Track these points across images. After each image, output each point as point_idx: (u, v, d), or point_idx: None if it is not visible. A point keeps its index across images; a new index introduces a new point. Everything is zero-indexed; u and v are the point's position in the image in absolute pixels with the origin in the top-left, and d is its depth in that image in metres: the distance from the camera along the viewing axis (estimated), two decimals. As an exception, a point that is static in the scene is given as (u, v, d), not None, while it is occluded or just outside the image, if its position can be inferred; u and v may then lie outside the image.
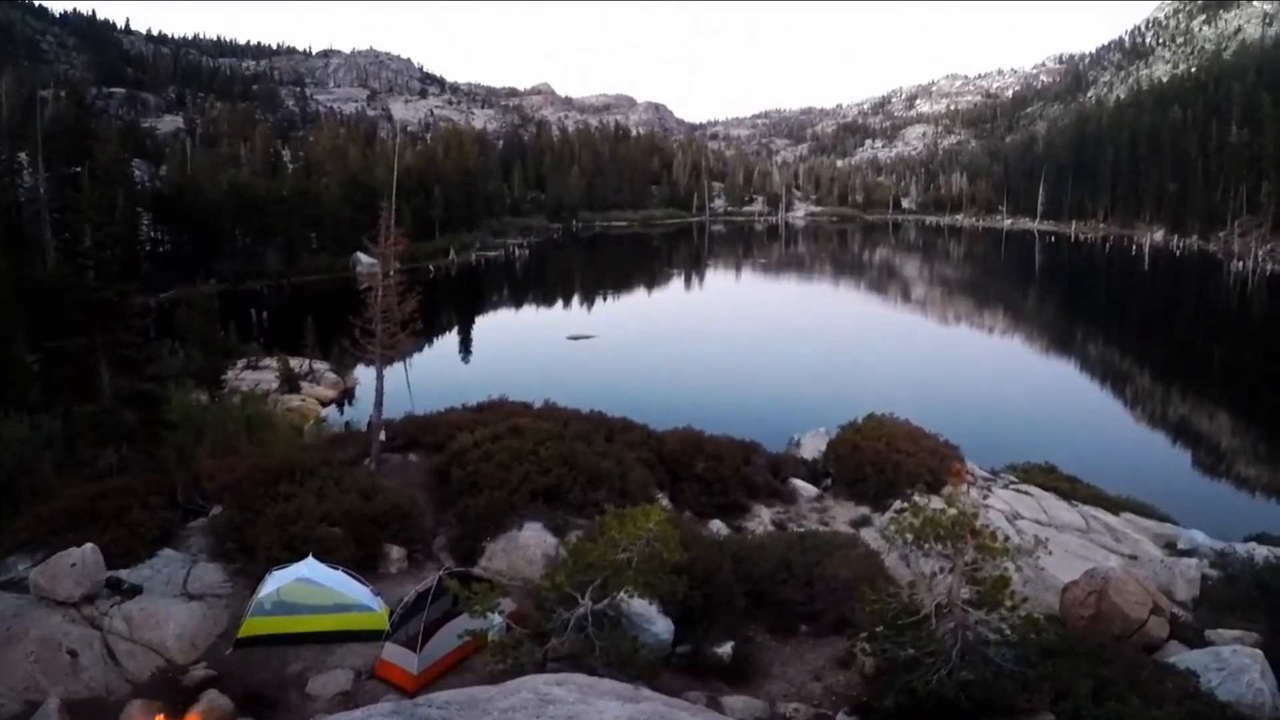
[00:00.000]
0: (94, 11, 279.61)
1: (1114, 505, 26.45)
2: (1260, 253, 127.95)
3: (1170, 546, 23.09)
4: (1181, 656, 13.83)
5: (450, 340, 72.26)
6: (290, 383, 48.43)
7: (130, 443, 23.97)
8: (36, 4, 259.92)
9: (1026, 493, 25.66)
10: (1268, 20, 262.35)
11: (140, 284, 58.98)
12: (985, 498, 23.59)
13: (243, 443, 29.41)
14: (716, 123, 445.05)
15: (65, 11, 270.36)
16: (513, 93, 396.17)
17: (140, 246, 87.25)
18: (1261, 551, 21.05)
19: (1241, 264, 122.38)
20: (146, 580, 16.36)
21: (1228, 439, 45.65)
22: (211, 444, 28.27)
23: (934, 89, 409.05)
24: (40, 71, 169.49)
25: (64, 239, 37.85)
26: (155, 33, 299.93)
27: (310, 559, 15.55)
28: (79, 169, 52.28)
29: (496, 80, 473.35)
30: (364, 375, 49.65)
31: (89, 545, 15.51)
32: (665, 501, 22.09)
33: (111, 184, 73.33)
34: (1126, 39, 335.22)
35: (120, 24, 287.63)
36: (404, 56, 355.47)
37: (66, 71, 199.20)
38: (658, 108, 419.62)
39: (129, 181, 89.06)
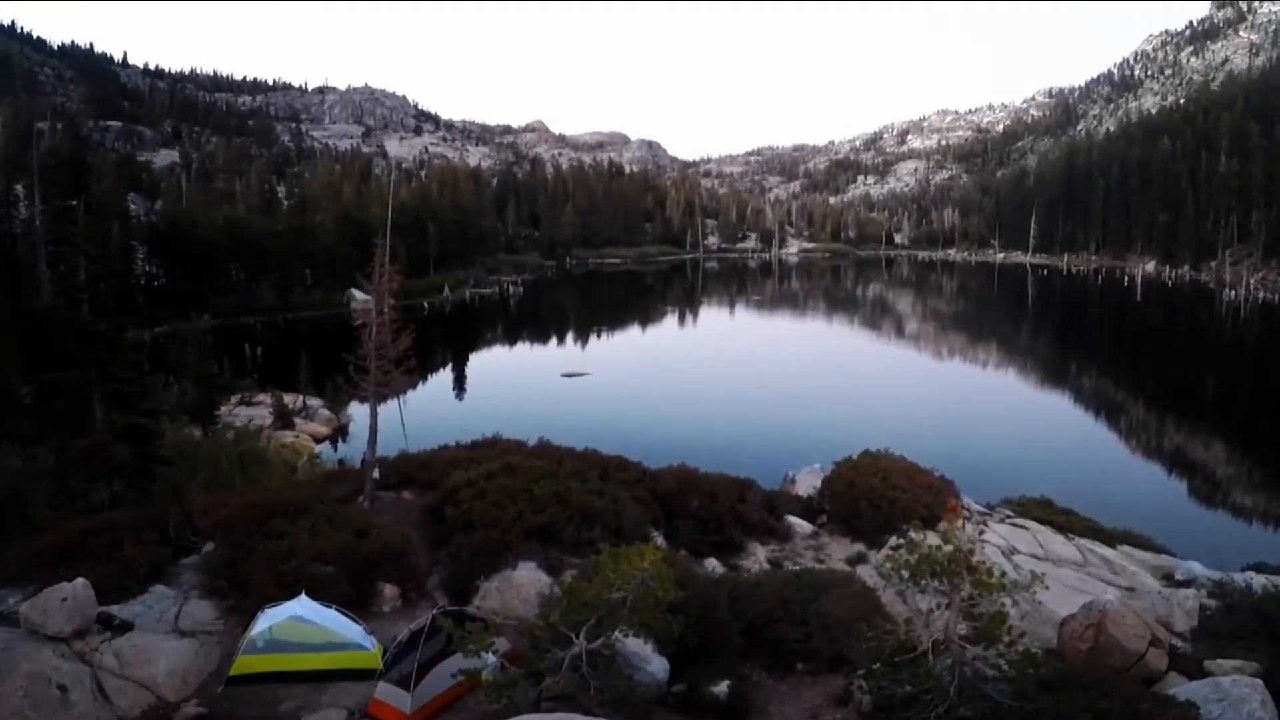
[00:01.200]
0: (92, 44, 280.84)
1: (1111, 538, 26.38)
2: (1252, 281, 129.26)
3: (1168, 578, 22.98)
4: (1181, 688, 13.75)
5: (444, 377, 72.22)
6: (284, 419, 48.35)
7: (123, 477, 23.86)
8: (35, 36, 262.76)
9: (1023, 527, 25.60)
10: (1254, 50, 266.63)
11: (134, 318, 59.12)
12: (981, 533, 23.55)
13: (236, 479, 29.28)
14: (710, 160, 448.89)
15: (64, 44, 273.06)
16: (507, 130, 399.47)
17: (135, 280, 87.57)
18: (1259, 581, 20.95)
19: (1234, 293, 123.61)
20: (138, 616, 16.20)
21: (1223, 468, 45.69)
22: (204, 480, 28.14)
23: (925, 124, 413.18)
24: (38, 103, 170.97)
25: (59, 271, 37.89)
26: (152, 66, 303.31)
27: (303, 597, 15.42)
28: (75, 202, 52.45)
29: (491, 117, 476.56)
30: (358, 412, 49.54)
31: (80, 580, 15.35)
32: (660, 540, 21.96)
33: (107, 217, 73.52)
34: (1115, 72, 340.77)
35: (118, 57, 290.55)
36: (399, 93, 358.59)
37: (64, 104, 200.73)
38: (651, 145, 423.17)
39: (124, 215, 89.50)
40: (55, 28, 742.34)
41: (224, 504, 20.95)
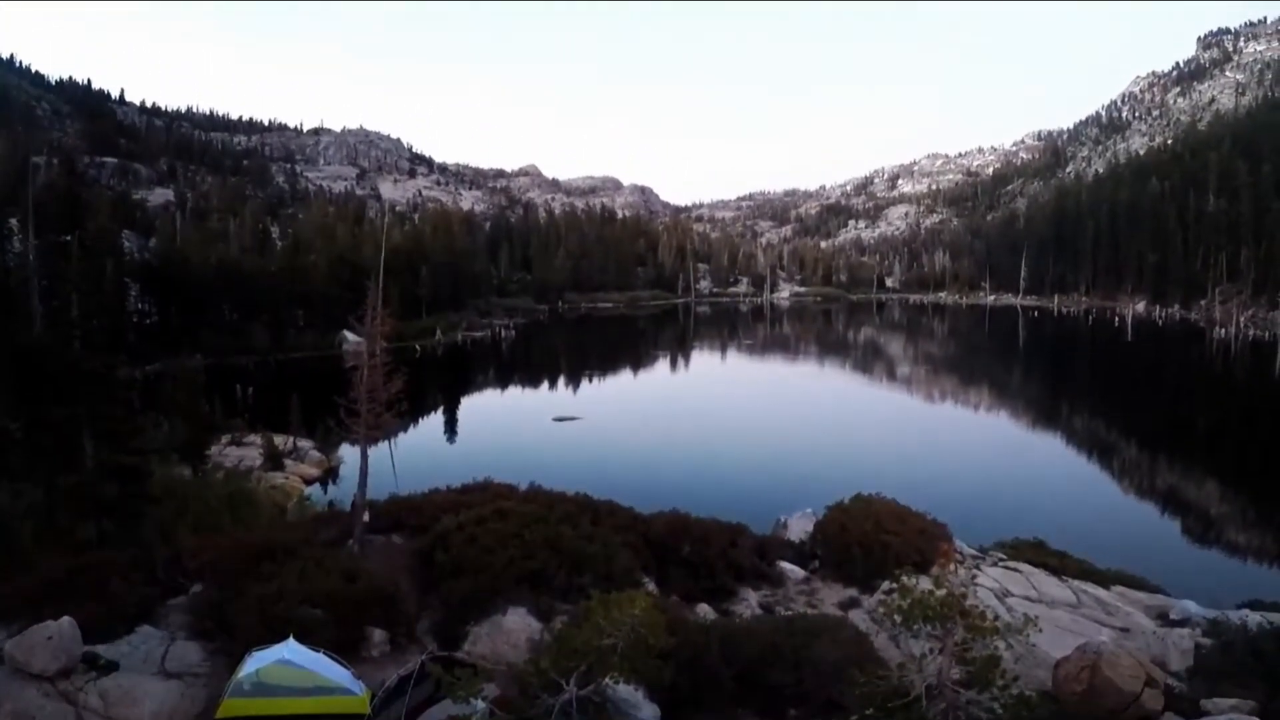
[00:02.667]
0: (89, 80, 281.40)
1: (1104, 579, 26.32)
2: (1241, 319, 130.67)
3: (1162, 617, 22.93)
4: (1178, 727, 13.73)
5: (435, 420, 72.01)
6: (274, 460, 48.08)
7: (111, 516, 23.68)
8: (34, 70, 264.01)
9: (1016, 570, 25.54)
10: (1240, 90, 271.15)
11: (126, 355, 58.85)
12: (974, 576, 23.48)
13: (225, 520, 29.08)
14: (702, 205, 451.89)
15: (61, 78, 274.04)
16: (500, 174, 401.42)
17: (127, 318, 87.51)
18: (1255, 618, 20.90)
19: (1223, 331, 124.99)
20: (124, 656, 16.06)
21: (1216, 506, 45.73)
22: (193, 520, 27.96)
23: (915, 169, 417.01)
24: (34, 137, 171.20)
25: (51, 307, 37.83)
26: (149, 104, 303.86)
27: (291, 640, 15.30)
28: (69, 237, 52.40)
29: (484, 161, 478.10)
30: (348, 454, 49.38)
31: (66, 619, 15.28)
32: (651, 585, 21.89)
33: (100, 254, 73.56)
34: (1103, 114, 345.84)
35: (115, 94, 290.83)
36: (393, 136, 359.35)
37: (60, 139, 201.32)
38: (644, 190, 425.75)
39: (118, 252, 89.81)
40: (54, 62, 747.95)
41: (212, 545, 20.86)
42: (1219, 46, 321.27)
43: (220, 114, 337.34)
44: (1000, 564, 26.28)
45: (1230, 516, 43.65)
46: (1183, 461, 56.79)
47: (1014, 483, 49.98)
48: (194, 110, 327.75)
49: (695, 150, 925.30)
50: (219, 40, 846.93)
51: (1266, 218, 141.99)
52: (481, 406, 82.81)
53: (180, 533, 25.14)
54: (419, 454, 51.99)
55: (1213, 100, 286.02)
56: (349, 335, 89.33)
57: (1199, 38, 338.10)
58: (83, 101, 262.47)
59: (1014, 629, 11.59)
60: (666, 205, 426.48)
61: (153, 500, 26.08)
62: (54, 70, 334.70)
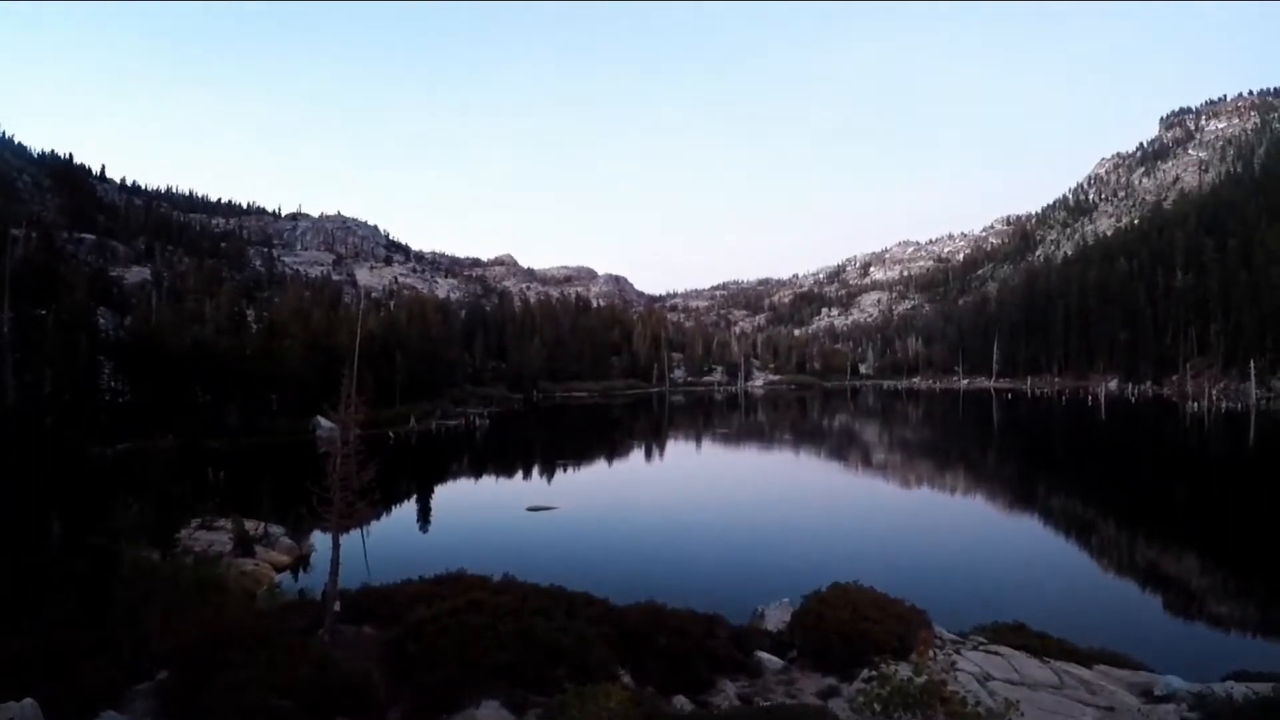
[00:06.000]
0: (71, 155, 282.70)
1: (1086, 658, 26.13)
2: (1214, 392, 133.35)
3: (1147, 694, 22.74)
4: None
5: (409, 509, 71.09)
6: (244, 545, 47.19)
7: (78, 596, 23.25)
8: (16, 141, 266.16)
9: (997, 653, 25.37)
10: (1204, 167, 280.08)
11: (98, 433, 58.20)
12: (954, 662, 23.33)
13: (194, 605, 28.53)
14: (676, 294, 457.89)
15: (43, 151, 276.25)
16: (476, 263, 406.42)
17: (100, 395, 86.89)
18: (1240, 689, 20.77)
19: (1196, 405, 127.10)
20: (85, 744, 15.70)
21: (1197, 578, 45.48)
22: (161, 604, 27.40)
23: (887, 256, 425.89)
24: (14, 209, 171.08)
25: (25, 381, 37.46)
26: (129, 182, 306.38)
27: (260, 729, 15.03)
28: (45, 312, 51.78)
29: (460, 250, 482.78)
30: (320, 541, 48.73)
31: (29, 700, 14.96)
32: (627, 678, 21.62)
33: (75, 330, 73.29)
34: (1070, 197, 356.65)
35: (96, 170, 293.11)
36: (370, 223, 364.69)
37: (40, 213, 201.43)
38: (618, 279, 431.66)
39: (93, 329, 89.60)
40: (36, 135, 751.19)
41: (181, 630, 20.52)
42: (1181, 126, 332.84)
43: (200, 195, 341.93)
44: (980, 648, 26.10)
45: (1211, 588, 43.48)
46: (1161, 536, 56.72)
47: (993, 565, 49.75)
48: (174, 190, 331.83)
49: (669, 240, 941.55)
50: (201, 122, 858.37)
51: (1234, 291, 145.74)
52: (455, 495, 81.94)
53: (148, 616, 24.65)
54: (392, 543, 51.36)
55: (1177, 179, 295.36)
56: (323, 421, 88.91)
57: (1161, 118, 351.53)
58: (63, 176, 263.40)
59: (996, 714, 11.57)
60: (641, 294, 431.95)
61: (121, 582, 25.64)
62: (36, 143, 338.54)
